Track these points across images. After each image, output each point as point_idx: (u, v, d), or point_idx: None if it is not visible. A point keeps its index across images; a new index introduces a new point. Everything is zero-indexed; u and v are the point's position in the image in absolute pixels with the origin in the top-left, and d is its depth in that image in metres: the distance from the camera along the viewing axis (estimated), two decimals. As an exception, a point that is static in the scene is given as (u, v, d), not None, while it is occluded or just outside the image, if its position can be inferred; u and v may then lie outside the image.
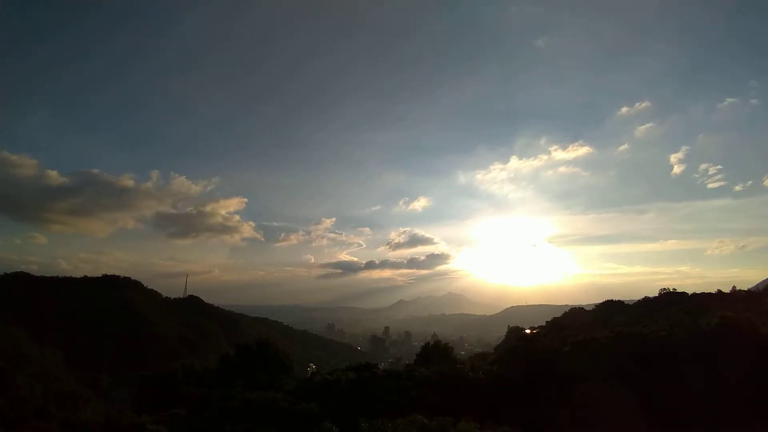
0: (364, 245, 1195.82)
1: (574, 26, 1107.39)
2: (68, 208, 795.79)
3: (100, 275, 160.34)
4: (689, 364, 31.78)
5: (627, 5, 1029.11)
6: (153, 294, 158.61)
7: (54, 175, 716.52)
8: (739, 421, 26.38)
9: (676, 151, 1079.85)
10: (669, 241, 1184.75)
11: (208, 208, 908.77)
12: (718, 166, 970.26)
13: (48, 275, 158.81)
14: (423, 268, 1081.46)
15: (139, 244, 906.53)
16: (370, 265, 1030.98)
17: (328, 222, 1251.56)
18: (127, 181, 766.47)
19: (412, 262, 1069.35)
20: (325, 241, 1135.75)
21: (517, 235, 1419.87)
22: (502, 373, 36.62)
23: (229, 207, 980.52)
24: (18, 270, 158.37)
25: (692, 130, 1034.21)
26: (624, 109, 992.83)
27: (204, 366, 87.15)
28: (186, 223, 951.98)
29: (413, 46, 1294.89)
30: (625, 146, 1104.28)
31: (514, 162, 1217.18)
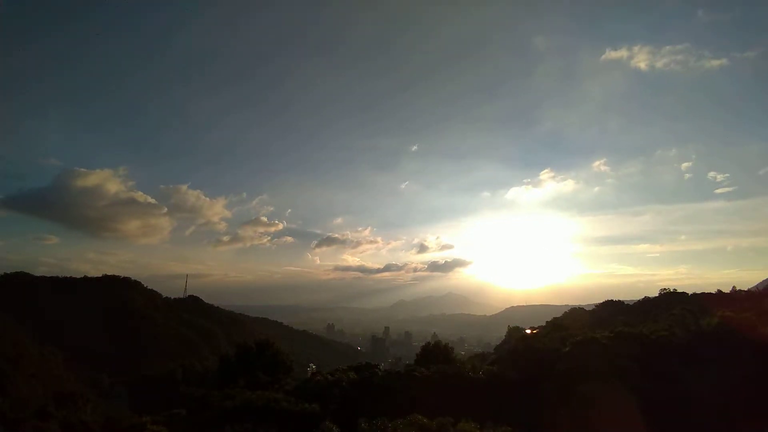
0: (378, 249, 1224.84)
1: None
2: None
3: (101, 275, 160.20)
4: (689, 364, 31.81)
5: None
6: (153, 294, 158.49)
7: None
8: (740, 421, 26.36)
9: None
10: (669, 242, 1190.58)
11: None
12: (725, 173, 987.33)
13: (57, 276, 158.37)
14: (445, 271, 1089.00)
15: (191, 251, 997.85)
16: (388, 268, 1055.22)
17: (366, 230, 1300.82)
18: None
19: (433, 266, 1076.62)
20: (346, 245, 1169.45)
21: (518, 236, 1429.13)
22: (502, 373, 36.63)
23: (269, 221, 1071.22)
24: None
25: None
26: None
27: (204, 366, 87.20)
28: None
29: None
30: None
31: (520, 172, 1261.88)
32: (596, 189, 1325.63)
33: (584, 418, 27.18)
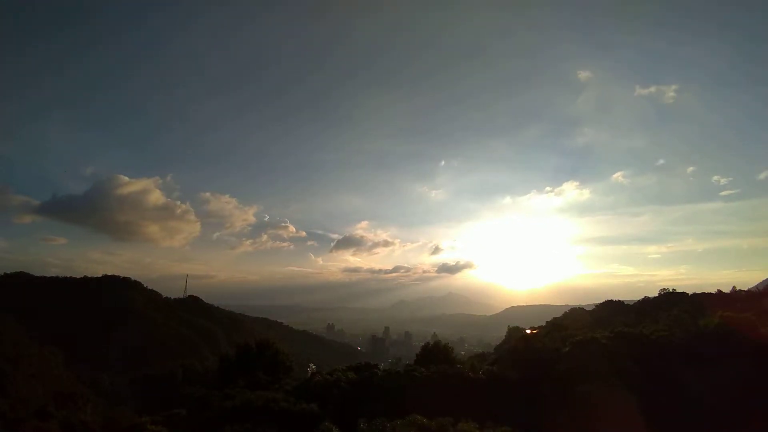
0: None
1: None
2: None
3: (101, 275, 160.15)
4: (689, 364, 31.78)
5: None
6: (153, 294, 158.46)
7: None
8: (740, 421, 26.34)
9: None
10: (669, 243, 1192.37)
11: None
12: (728, 177, 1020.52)
13: (57, 276, 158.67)
14: (453, 272, 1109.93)
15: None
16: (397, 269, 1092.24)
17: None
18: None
19: (443, 267, 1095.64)
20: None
21: (519, 237, 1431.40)
22: (502, 373, 36.58)
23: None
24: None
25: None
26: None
27: (204, 366, 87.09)
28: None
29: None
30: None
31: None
32: (611, 198, 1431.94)
33: (584, 418, 27.14)
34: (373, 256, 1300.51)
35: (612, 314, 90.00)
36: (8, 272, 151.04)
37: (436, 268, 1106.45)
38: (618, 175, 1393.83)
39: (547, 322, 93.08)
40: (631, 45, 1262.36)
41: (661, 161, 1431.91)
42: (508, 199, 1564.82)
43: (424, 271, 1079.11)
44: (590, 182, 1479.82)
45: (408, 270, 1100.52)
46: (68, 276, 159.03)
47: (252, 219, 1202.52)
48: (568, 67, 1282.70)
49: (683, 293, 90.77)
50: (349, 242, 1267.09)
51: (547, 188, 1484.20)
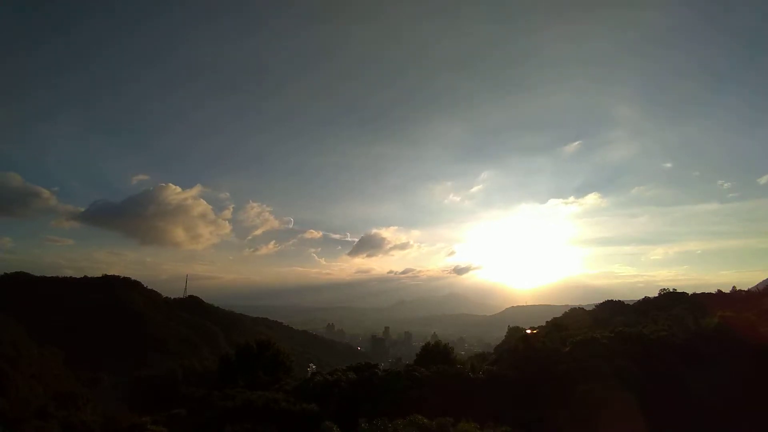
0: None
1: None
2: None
3: (101, 275, 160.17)
4: (689, 364, 31.78)
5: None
6: (153, 294, 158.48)
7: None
8: (739, 421, 26.34)
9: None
10: (669, 243, 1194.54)
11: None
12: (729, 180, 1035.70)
13: (57, 276, 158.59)
14: (461, 273, 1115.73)
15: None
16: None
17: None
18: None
19: (456, 270, 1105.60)
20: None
21: (521, 238, 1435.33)
22: (502, 373, 36.59)
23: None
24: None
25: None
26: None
27: (204, 366, 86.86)
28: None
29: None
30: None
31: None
32: (628, 211, 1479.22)
33: (584, 418, 27.15)
34: (388, 258, 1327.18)
35: (612, 314, 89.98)
36: (8, 272, 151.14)
37: (448, 270, 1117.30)
38: (640, 189, 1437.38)
39: (547, 322, 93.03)
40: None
41: (668, 165, 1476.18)
42: (523, 205, 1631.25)
43: (433, 273, 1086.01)
44: (612, 195, 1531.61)
45: (418, 272, 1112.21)
46: (68, 276, 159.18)
47: (273, 221, 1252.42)
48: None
49: (683, 293, 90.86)
50: (367, 244, 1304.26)
51: (571, 197, 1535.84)
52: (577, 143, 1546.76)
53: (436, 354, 48.75)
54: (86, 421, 31.61)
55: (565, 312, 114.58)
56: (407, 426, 19.90)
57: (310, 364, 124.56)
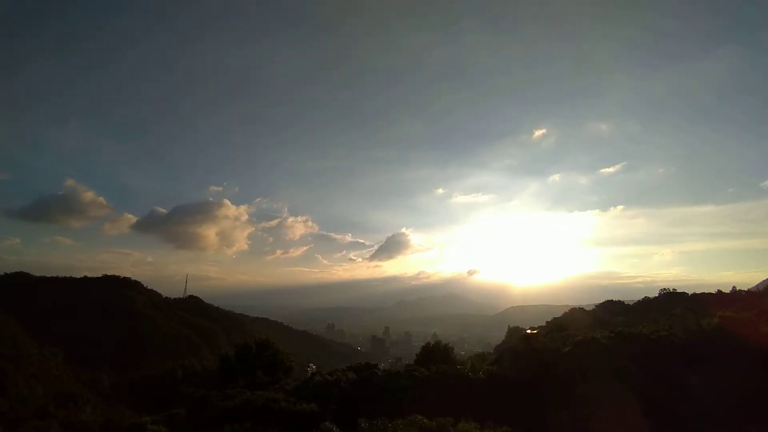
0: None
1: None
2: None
3: (101, 275, 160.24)
4: (689, 364, 31.74)
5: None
6: (153, 294, 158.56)
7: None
8: (739, 421, 26.32)
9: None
10: (669, 244, 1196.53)
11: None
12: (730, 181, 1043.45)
13: (57, 276, 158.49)
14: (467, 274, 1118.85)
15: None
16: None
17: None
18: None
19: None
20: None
21: (518, 235, 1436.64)
22: (502, 373, 36.56)
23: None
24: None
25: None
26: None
27: (204, 366, 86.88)
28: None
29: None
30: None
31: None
32: (628, 212, 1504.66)
33: (584, 418, 27.15)
34: (400, 261, 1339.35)
35: (612, 314, 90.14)
36: (8, 272, 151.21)
37: (453, 272, 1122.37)
38: (624, 176, 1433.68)
39: (547, 322, 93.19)
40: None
41: (670, 166, 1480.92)
42: (523, 206, 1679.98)
43: (444, 276, 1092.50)
44: (637, 208, 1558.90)
45: (429, 275, 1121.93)
46: (68, 275, 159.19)
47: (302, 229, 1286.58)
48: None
49: (683, 293, 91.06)
50: (386, 248, 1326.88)
51: (595, 210, 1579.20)
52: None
53: (436, 354, 48.73)
54: (86, 421, 31.62)
55: (566, 312, 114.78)
56: (407, 426, 19.88)
57: (310, 364, 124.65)
